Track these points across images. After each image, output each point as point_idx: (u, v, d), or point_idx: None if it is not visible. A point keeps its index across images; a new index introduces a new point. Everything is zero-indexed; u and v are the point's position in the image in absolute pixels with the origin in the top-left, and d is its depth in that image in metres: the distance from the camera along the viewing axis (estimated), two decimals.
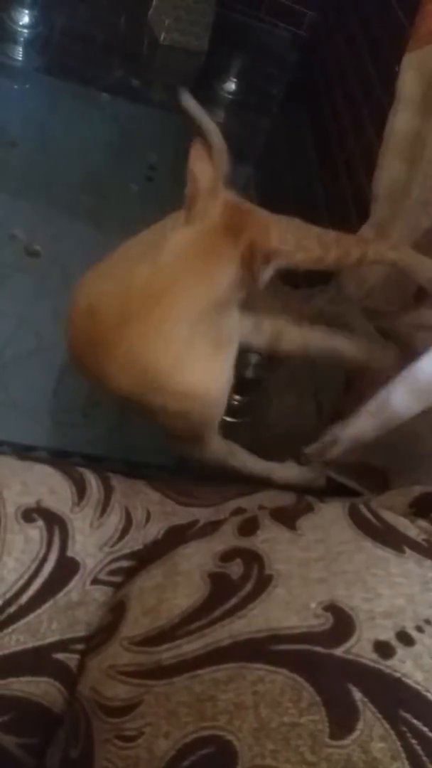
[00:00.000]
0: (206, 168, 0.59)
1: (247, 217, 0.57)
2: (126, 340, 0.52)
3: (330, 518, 0.39)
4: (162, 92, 1.24)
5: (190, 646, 0.33)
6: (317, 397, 0.78)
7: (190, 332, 0.53)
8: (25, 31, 1.16)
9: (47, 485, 0.42)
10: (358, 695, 0.28)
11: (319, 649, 0.30)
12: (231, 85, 1.24)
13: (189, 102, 0.75)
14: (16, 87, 1.13)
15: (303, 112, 1.28)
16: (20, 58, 1.14)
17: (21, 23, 1.16)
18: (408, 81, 0.71)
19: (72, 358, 0.59)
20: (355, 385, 0.73)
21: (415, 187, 0.73)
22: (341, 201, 1.02)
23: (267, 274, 0.55)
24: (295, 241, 0.65)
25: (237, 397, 0.77)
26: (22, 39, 1.16)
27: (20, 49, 1.15)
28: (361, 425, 0.55)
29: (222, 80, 1.24)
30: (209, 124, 0.74)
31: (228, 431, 0.63)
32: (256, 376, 0.77)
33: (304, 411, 0.77)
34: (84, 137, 1.03)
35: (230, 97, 1.25)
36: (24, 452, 0.69)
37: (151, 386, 0.53)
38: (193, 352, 0.54)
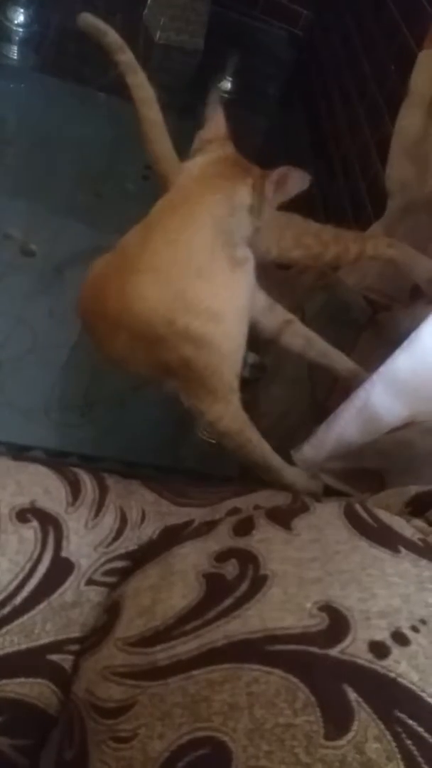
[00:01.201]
0: (220, 119, 0.63)
1: (251, 164, 0.60)
2: (150, 249, 0.53)
3: (325, 518, 0.39)
4: (157, 91, 1.23)
5: (185, 647, 0.32)
6: (314, 396, 0.78)
7: (211, 242, 0.54)
8: (21, 29, 1.16)
9: (42, 485, 0.42)
10: (353, 696, 0.28)
11: (314, 649, 0.30)
12: (227, 84, 1.24)
13: (89, 20, 0.68)
14: (11, 86, 1.12)
15: (299, 110, 1.28)
16: (15, 57, 1.14)
17: (16, 22, 1.16)
18: (420, 79, 0.71)
19: (86, 311, 0.59)
20: (341, 387, 0.73)
21: (428, 184, 0.73)
22: (337, 199, 1.01)
23: (276, 198, 0.58)
24: (293, 237, 0.65)
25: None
26: (17, 38, 1.16)
27: (15, 48, 1.14)
28: (344, 424, 0.55)
29: (218, 79, 1.24)
30: (114, 37, 0.68)
31: None
32: (253, 376, 0.77)
33: (300, 409, 0.77)
34: (80, 136, 1.03)
35: (226, 96, 1.24)
36: (20, 452, 0.69)
37: (175, 300, 0.52)
38: (214, 263, 0.54)
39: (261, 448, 0.58)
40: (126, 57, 0.68)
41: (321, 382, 0.76)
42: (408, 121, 0.74)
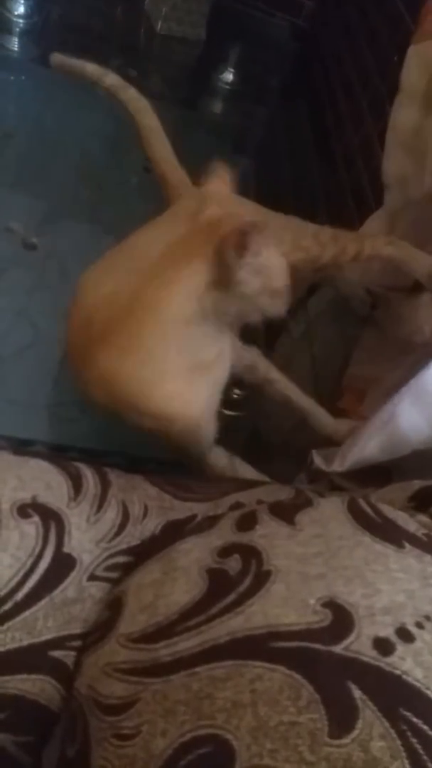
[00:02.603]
0: (222, 177, 0.58)
1: (228, 216, 0.52)
2: (104, 354, 0.51)
3: (329, 513, 0.39)
4: (159, 82, 1.23)
5: (188, 643, 0.32)
6: (316, 388, 0.78)
7: (162, 350, 0.51)
8: (21, 21, 1.15)
9: (43, 480, 0.41)
10: (357, 693, 0.28)
11: (317, 646, 0.30)
12: (228, 76, 1.23)
13: (60, 60, 0.74)
14: (11, 78, 1.11)
15: (301, 102, 1.27)
16: (16, 49, 1.13)
17: (16, 13, 1.15)
18: (411, 74, 0.71)
19: (69, 348, 0.58)
20: (351, 387, 0.72)
21: (427, 179, 0.72)
22: (339, 191, 1.01)
23: (244, 271, 0.49)
24: (291, 241, 0.65)
25: (237, 391, 0.76)
26: (17, 29, 1.15)
27: (16, 39, 1.14)
28: (368, 440, 0.54)
29: (219, 70, 1.23)
30: (92, 68, 0.73)
31: (228, 425, 0.62)
32: None
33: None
34: (81, 129, 1.02)
35: (228, 87, 1.24)
36: (22, 446, 0.68)
37: (125, 404, 0.52)
38: (166, 372, 0.52)
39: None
40: (111, 79, 0.71)
41: (325, 379, 0.76)
42: (403, 118, 0.73)
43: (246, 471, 0.62)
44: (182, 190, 0.70)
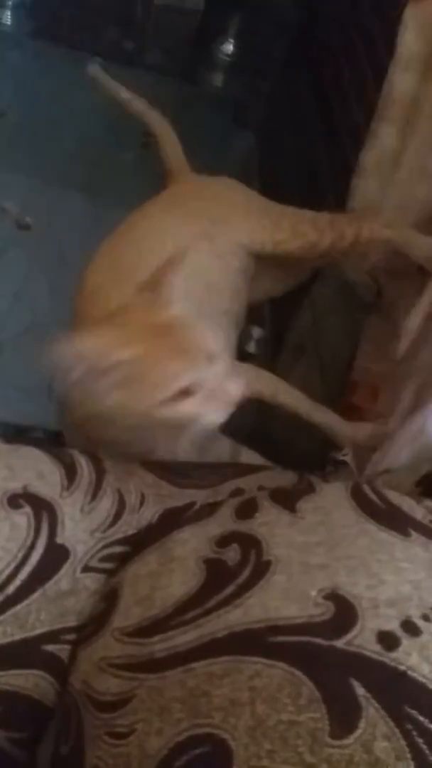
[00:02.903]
0: None
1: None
2: None
3: (332, 500, 0.37)
4: (157, 54, 1.19)
5: (184, 638, 0.31)
6: (322, 372, 0.76)
7: None
8: None
9: (35, 469, 0.40)
10: (360, 690, 0.27)
11: (319, 640, 0.29)
12: (228, 47, 1.20)
13: (97, 73, 0.82)
14: (5, 53, 1.09)
15: (304, 73, 1.23)
16: (9, 23, 1.10)
17: None
18: (408, 38, 0.67)
19: None
20: (363, 383, 0.70)
21: (408, 156, 0.70)
22: (343, 164, 0.98)
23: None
24: (290, 227, 0.66)
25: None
26: (10, 2, 1.12)
27: (9, 13, 1.11)
28: (400, 451, 0.53)
29: (219, 41, 1.20)
30: (127, 95, 0.80)
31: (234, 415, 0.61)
32: (258, 351, 0.75)
33: (311, 384, 0.75)
34: (76, 104, 1.00)
35: (228, 58, 1.20)
36: (20, 432, 0.67)
37: None
38: None
39: None
40: (138, 104, 0.80)
41: (333, 370, 0.74)
42: (397, 87, 0.69)
43: (253, 460, 0.61)
44: (182, 178, 0.76)
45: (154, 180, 0.80)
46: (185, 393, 0.44)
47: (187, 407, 0.44)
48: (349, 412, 0.65)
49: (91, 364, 0.42)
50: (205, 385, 0.44)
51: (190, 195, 0.72)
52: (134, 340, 0.44)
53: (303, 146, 1.09)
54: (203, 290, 0.62)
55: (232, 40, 1.20)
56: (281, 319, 0.83)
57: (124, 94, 0.79)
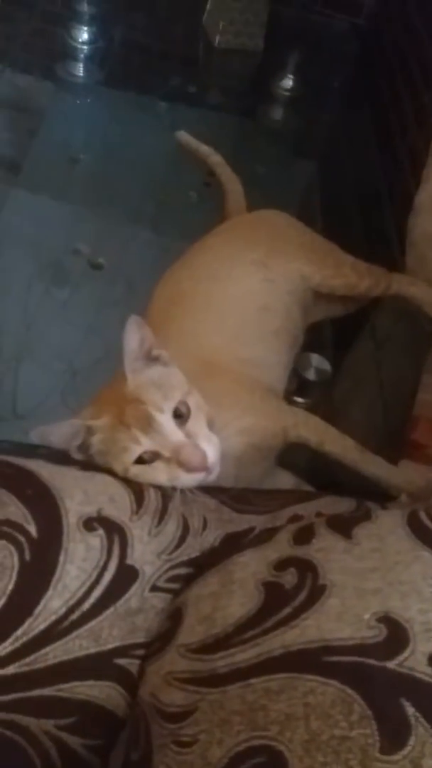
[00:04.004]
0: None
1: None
2: None
3: (387, 527, 0.39)
4: (218, 95, 1.25)
5: (244, 655, 0.33)
6: (384, 404, 0.77)
7: None
8: (85, 47, 1.20)
9: (107, 494, 0.43)
10: (410, 710, 0.28)
11: (371, 661, 0.30)
12: (288, 82, 1.23)
13: (185, 138, 0.93)
14: (78, 102, 1.17)
15: (363, 102, 1.25)
16: (81, 74, 1.18)
17: (80, 40, 1.20)
18: None
19: None
20: (425, 417, 0.70)
21: None
22: (404, 192, 0.99)
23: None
24: (334, 264, 0.73)
25: (300, 399, 0.76)
26: (82, 55, 1.20)
27: (81, 65, 1.19)
28: None
29: (278, 77, 1.23)
30: (212, 155, 0.91)
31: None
32: (319, 378, 0.76)
33: (373, 416, 0.76)
34: (143, 147, 1.05)
35: (287, 93, 1.24)
36: None
37: None
38: None
39: None
40: (215, 158, 0.91)
41: (394, 406, 0.75)
42: None
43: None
44: (236, 216, 0.84)
45: (215, 215, 0.85)
46: (156, 457, 0.46)
47: (153, 473, 0.47)
48: (411, 449, 0.65)
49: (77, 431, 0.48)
50: (163, 453, 0.46)
51: (247, 227, 0.78)
52: (106, 410, 0.48)
53: (362, 173, 1.11)
54: (255, 314, 0.67)
55: (291, 76, 1.23)
56: (342, 347, 0.84)
57: (204, 149, 0.91)
